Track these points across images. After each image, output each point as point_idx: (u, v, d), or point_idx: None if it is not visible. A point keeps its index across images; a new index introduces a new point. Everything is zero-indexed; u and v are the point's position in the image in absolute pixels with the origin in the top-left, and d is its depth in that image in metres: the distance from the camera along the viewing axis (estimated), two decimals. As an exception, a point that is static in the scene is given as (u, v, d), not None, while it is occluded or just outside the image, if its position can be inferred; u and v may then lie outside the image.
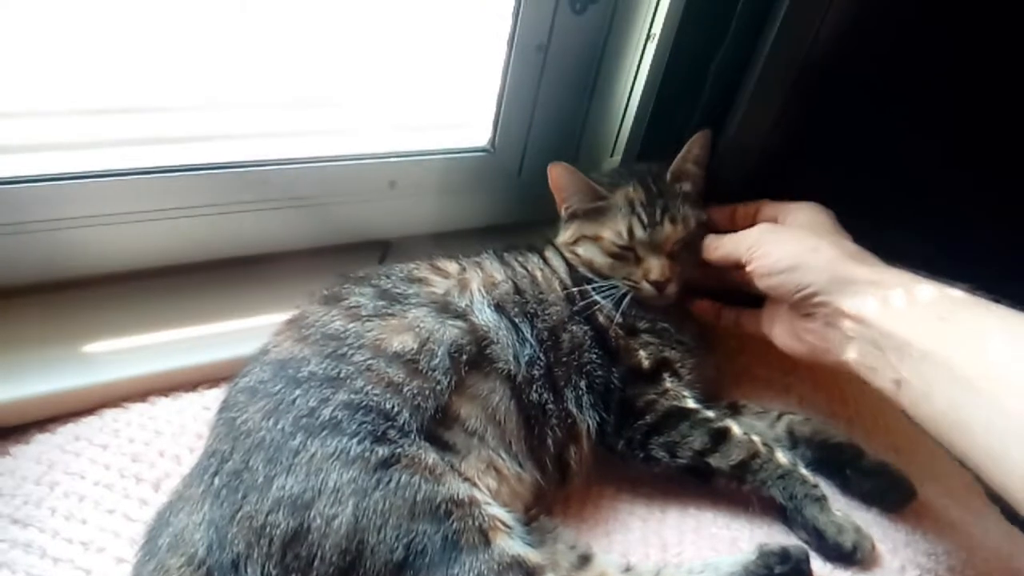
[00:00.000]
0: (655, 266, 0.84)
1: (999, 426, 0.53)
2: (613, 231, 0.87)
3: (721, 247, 0.83)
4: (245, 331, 0.87)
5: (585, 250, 0.89)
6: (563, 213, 0.93)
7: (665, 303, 0.86)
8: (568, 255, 0.90)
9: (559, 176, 0.89)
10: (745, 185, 1.00)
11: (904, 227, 1.01)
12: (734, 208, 0.90)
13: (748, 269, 0.78)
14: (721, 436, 0.77)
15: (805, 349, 0.76)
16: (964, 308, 0.61)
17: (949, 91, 0.94)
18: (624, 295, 0.84)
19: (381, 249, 1.03)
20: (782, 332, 0.80)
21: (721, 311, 0.91)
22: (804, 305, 0.73)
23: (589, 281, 0.86)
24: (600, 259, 0.87)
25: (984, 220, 1.00)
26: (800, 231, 0.78)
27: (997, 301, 0.60)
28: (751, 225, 0.83)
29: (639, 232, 0.85)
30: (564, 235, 0.92)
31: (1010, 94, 0.93)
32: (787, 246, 0.75)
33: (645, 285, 0.84)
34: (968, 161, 0.97)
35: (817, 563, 0.73)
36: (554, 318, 0.81)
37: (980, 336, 0.58)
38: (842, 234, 0.77)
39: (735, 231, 0.84)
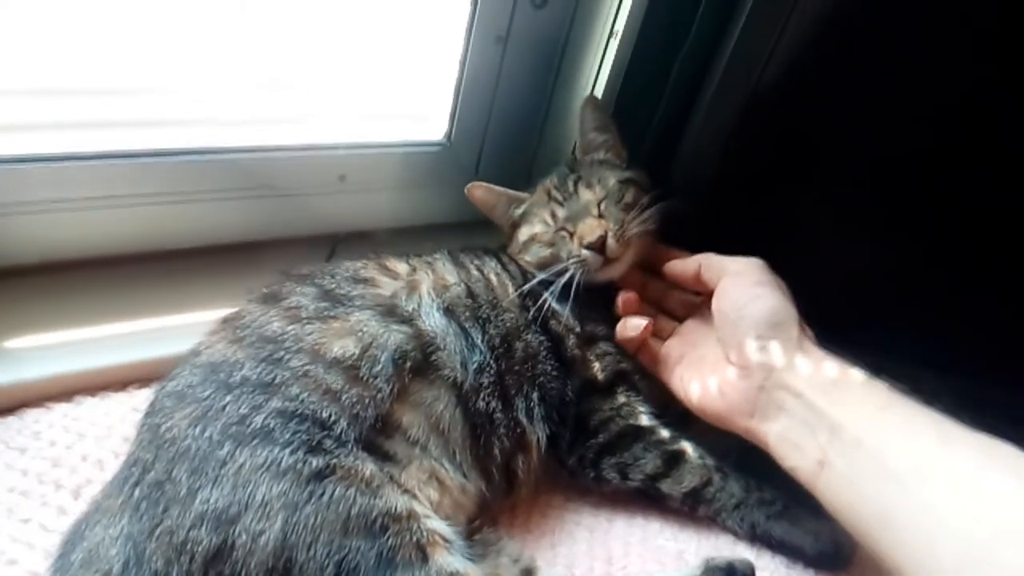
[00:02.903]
0: (585, 229, 0.82)
1: (924, 524, 0.52)
2: (541, 223, 0.88)
3: (692, 262, 0.78)
4: (180, 328, 0.83)
5: (531, 254, 0.88)
6: (505, 228, 0.93)
7: (618, 271, 0.83)
8: (523, 264, 0.88)
9: (479, 196, 0.91)
10: (706, 193, 0.99)
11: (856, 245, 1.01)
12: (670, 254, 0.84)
13: (725, 282, 0.72)
14: (674, 460, 0.76)
15: (723, 406, 0.70)
16: (901, 404, 0.60)
17: (908, 98, 0.94)
18: (574, 277, 0.81)
19: (329, 245, 0.99)
20: (694, 381, 0.74)
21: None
22: (746, 357, 0.68)
23: (544, 284, 0.83)
24: (544, 252, 0.86)
25: (937, 236, 1.00)
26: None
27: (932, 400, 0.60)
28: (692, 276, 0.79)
29: (560, 211, 0.86)
30: (513, 246, 0.92)
31: (964, 112, 0.93)
32: (779, 291, 0.70)
33: (586, 254, 0.81)
34: (924, 173, 0.97)
35: (763, 576, 0.72)
36: (508, 324, 0.79)
37: (914, 432, 0.57)
38: None
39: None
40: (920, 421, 0.58)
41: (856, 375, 0.64)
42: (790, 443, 0.64)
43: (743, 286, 0.72)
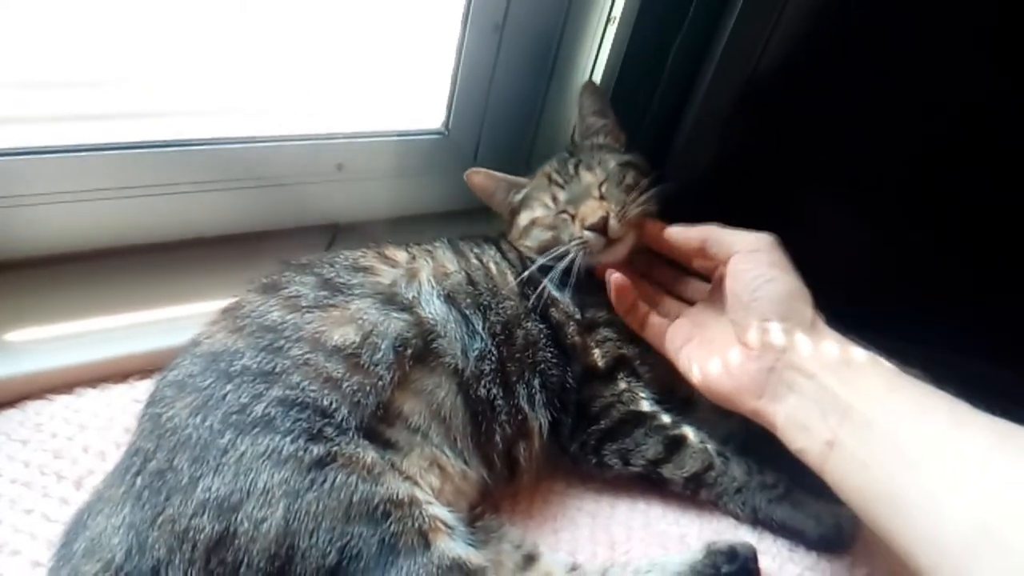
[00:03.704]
0: (587, 210, 0.82)
1: (932, 508, 0.51)
2: (542, 206, 0.88)
3: (696, 233, 0.76)
4: (180, 319, 0.83)
5: (531, 238, 0.88)
6: (505, 215, 0.93)
7: (620, 253, 0.82)
8: (523, 250, 0.88)
9: (478, 182, 0.91)
10: (703, 179, 0.99)
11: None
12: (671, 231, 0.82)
13: (737, 261, 0.70)
14: (676, 445, 0.76)
15: (731, 386, 0.69)
16: (913, 386, 0.59)
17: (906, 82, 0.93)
18: (575, 259, 0.80)
19: (328, 234, 0.99)
20: (702, 361, 0.73)
21: (637, 302, 0.81)
22: (759, 339, 0.67)
23: (543, 270, 0.83)
24: (545, 236, 0.86)
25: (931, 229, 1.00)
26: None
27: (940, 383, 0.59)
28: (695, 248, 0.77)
29: (561, 194, 0.86)
30: (512, 233, 0.92)
31: (957, 105, 0.92)
32: (792, 272, 0.69)
33: (588, 235, 0.80)
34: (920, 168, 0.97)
35: (766, 560, 0.72)
36: (508, 312, 0.78)
37: (925, 414, 0.56)
38: None
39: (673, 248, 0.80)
40: (931, 404, 0.57)
41: (868, 357, 0.63)
42: (799, 424, 0.63)
43: (757, 266, 0.69)
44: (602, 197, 0.84)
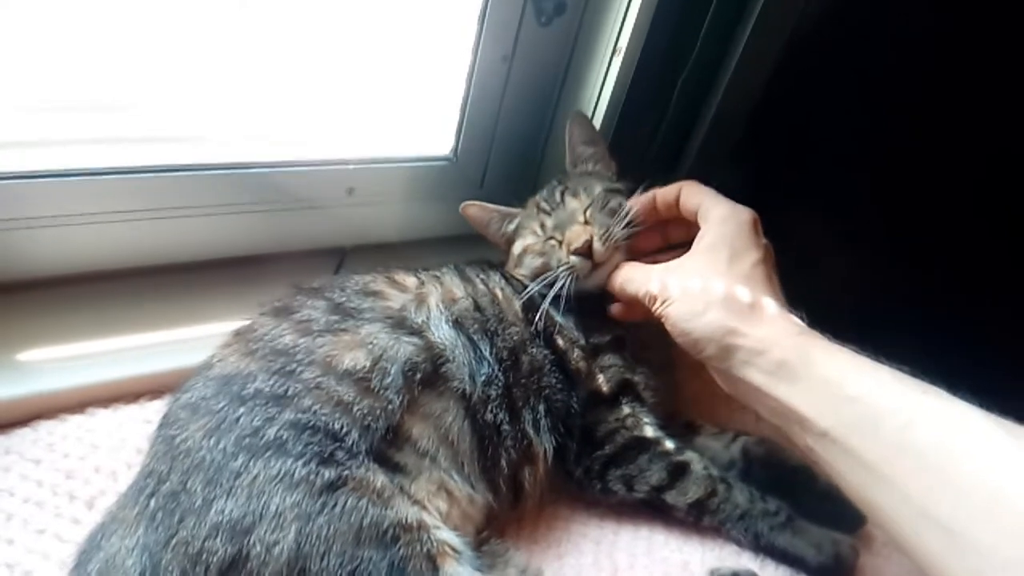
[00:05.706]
0: (572, 235, 0.83)
1: (906, 512, 0.51)
2: (531, 234, 0.90)
3: (628, 285, 0.77)
4: (191, 340, 0.84)
5: (524, 266, 0.89)
6: (502, 246, 0.95)
7: (605, 276, 0.81)
8: (519, 278, 0.89)
9: (473, 214, 0.93)
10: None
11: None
12: (653, 196, 0.83)
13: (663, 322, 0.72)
14: (679, 471, 0.77)
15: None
16: (853, 378, 0.57)
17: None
18: (565, 284, 0.81)
19: (337, 257, 1.01)
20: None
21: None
22: (709, 365, 0.69)
23: (540, 295, 0.83)
24: (536, 262, 0.87)
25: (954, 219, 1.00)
26: (703, 267, 0.70)
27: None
28: (675, 215, 0.80)
29: (548, 221, 0.88)
30: (509, 262, 0.93)
31: (986, 89, 0.93)
32: (685, 304, 0.69)
33: (575, 259, 0.82)
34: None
35: (767, 587, 0.73)
36: (514, 338, 0.80)
37: (874, 418, 0.54)
38: (753, 250, 0.71)
39: (662, 221, 0.83)
40: (876, 403, 0.55)
41: (802, 355, 0.61)
42: (782, 430, 0.64)
43: (660, 311, 0.71)
44: (587, 222, 0.85)
